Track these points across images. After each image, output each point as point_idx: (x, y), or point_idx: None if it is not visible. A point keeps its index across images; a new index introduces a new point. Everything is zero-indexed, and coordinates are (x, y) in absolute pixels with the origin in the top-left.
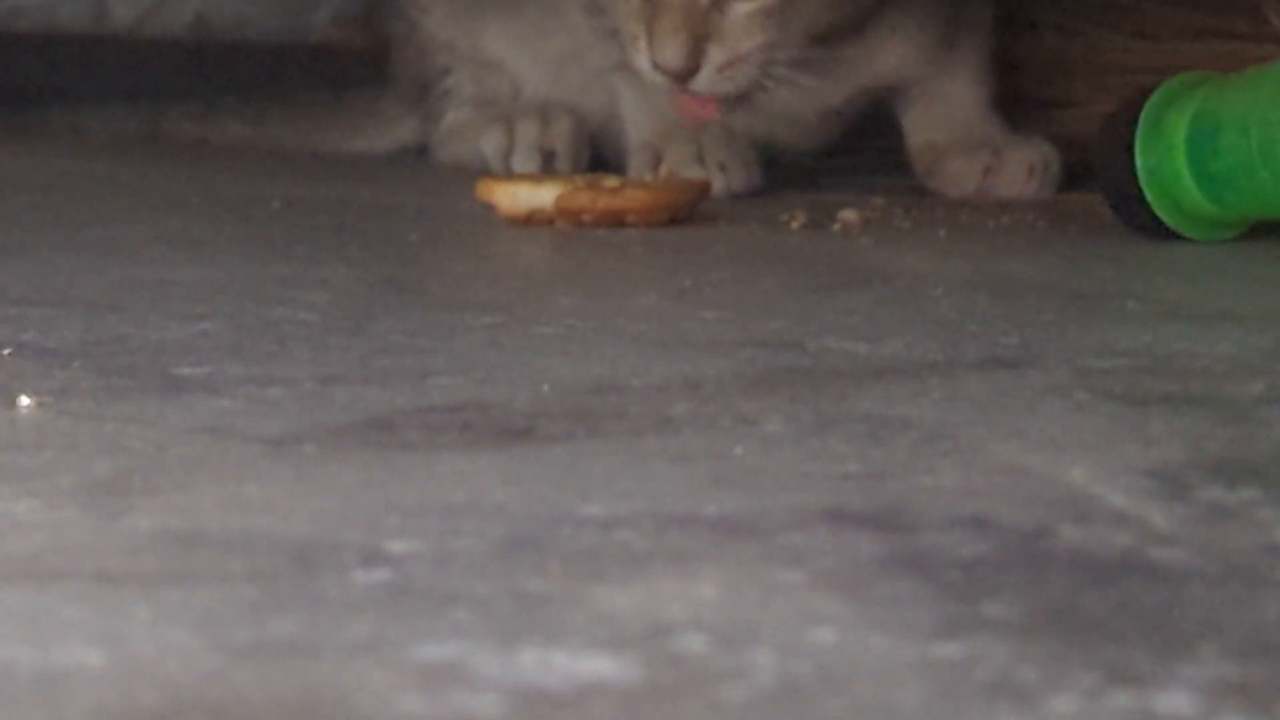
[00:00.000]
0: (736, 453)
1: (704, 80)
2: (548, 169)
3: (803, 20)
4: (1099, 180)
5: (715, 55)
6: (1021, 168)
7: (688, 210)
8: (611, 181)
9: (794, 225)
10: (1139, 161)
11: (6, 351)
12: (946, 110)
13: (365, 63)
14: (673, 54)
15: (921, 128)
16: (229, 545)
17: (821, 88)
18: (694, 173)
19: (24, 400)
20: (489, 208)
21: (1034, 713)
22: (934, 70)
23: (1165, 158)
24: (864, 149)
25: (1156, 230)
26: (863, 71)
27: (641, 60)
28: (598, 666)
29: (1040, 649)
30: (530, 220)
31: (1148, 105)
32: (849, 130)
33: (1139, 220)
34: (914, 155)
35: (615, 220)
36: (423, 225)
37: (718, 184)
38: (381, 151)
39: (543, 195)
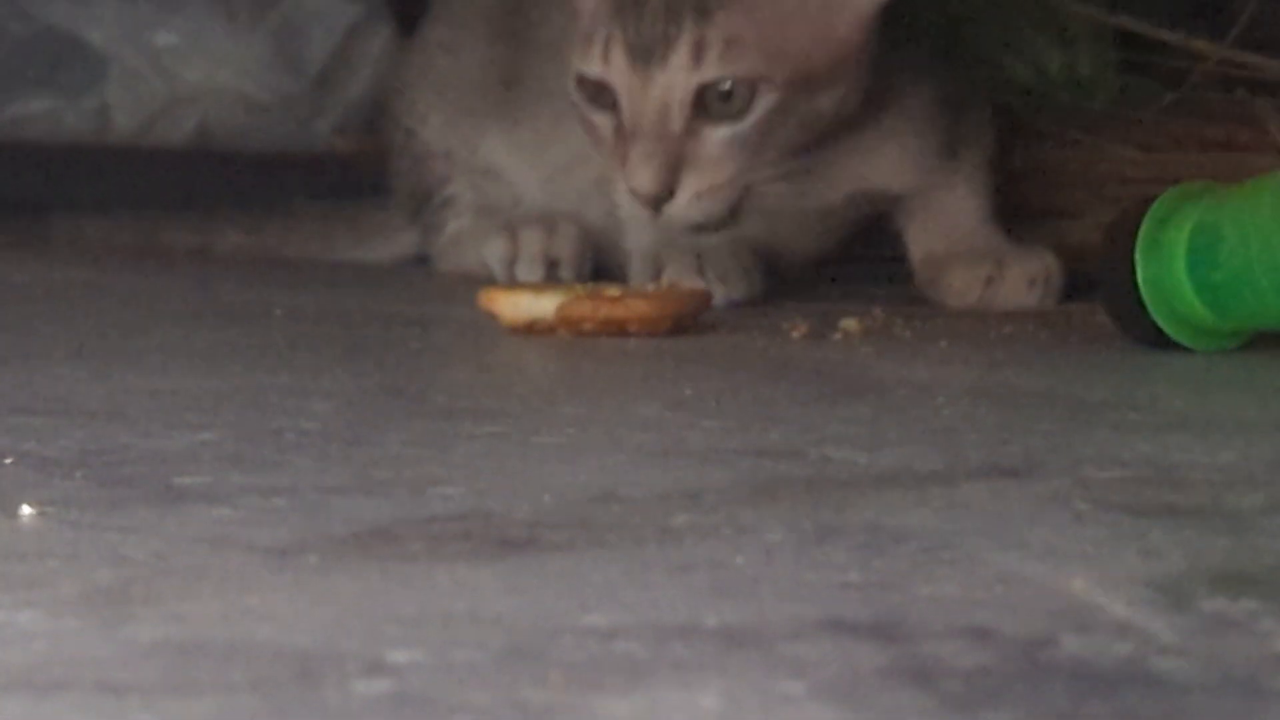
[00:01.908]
0: (737, 562)
1: (679, 207)
2: (552, 277)
3: (778, 142)
4: (1100, 290)
5: (691, 182)
6: (1023, 279)
7: (689, 320)
8: (613, 291)
9: (795, 334)
10: (1139, 271)
11: (8, 461)
12: (947, 221)
13: (368, 172)
14: (647, 181)
15: (923, 239)
16: (230, 655)
17: (816, 190)
18: (695, 283)
19: (25, 509)
20: (490, 317)
21: None
22: (934, 180)
23: (1166, 268)
24: (865, 259)
25: (1157, 340)
26: (858, 174)
27: (619, 191)
28: None
29: None
30: (532, 329)
31: (1148, 215)
32: (850, 238)
33: (1140, 330)
34: (916, 266)
35: (617, 329)
36: (424, 334)
37: (718, 294)
38: (383, 261)
39: (544, 304)
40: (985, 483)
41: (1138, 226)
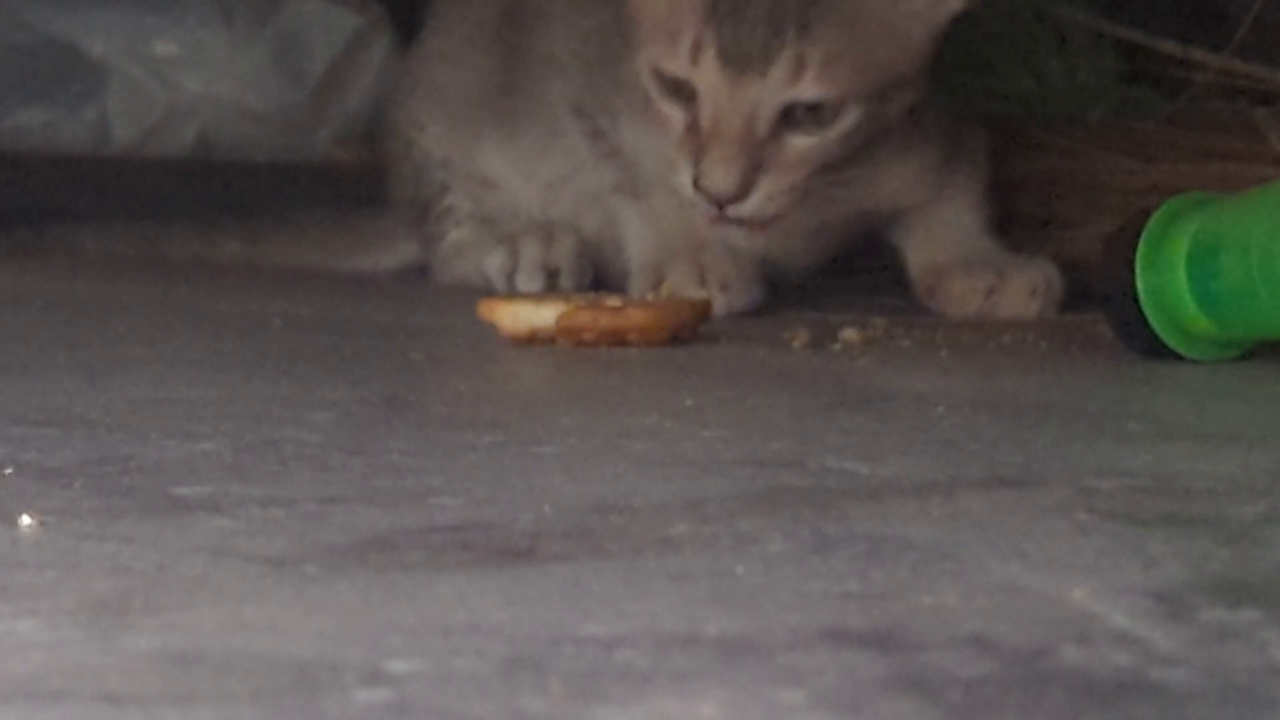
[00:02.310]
0: (737, 572)
1: (750, 206)
2: (551, 287)
3: (850, 147)
4: (1100, 300)
5: (766, 185)
6: (1024, 289)
7: (689, 330)
8: (613, 301)
9: (796, 344)
10: (1140, 281)
11: (8, 471)
12: (947, 233)
13: (368, 182)
14: (724, 182)
15: (922, 250)
16: (230, 665)
17: (821, 206)
18: (696, 292)
19: (25, 519)
20: (491, 327)
21: None
22: (935, 193)
23: (1166, 278)
24: (866, 269)
25: (1157, 350)
26: (864, 195)
27: (683, 181)
28: None
29: None
30: (532, 339)
31: (1148, 225)
32: (849, 249)
33: (1140, 340)
34: (916, 277)
35: (617, 339)
36: (424, 344)
37: (719, 303)
38: (383, 271)
39: (544, 314)
40: (985, 493)
41: (1138, 236)
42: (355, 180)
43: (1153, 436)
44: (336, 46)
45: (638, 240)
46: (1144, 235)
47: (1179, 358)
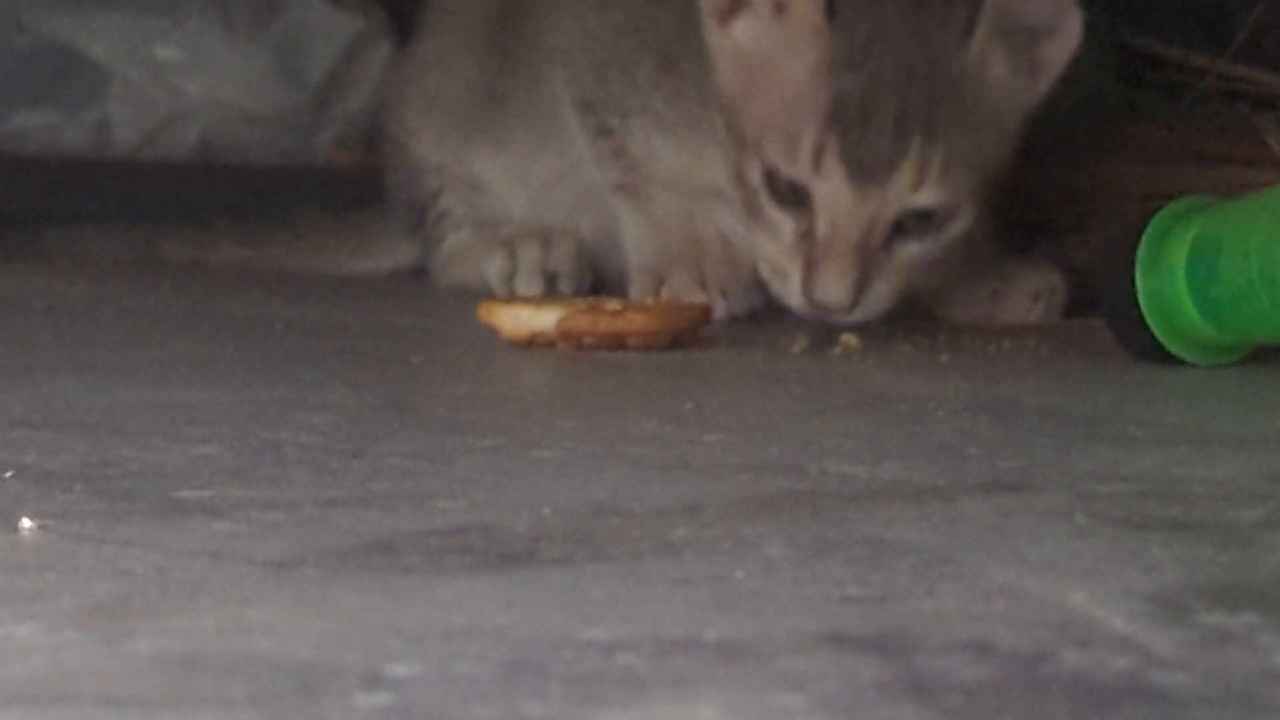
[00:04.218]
0: (737, 576)
1: (857, 315)
2: (550, 291)
3: (956, 245)
4: (1100, 304)
5: (874, 292)
6: (1026, 293)
7: (689, 334)
8: (613, 304)
9: (795, 349)
10: (1140, 286)
11: (8, 474)
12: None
13: (368, 185)
14: (838, 295)
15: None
16: (230, 668)
17: None
18: (695, 297)
19: (25, 523)
20: (490, 330)
21: None
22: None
23: (1166, 282)
24: None
25: (1157, 354)
26: None
27: (790, 293)
28: None
29: None
30: (532, 343)
31: (1148, 230)
32: None
33: (1140, 344)
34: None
35: (616, 343)
36: (424, 347)
37: (719, 308)
38: (382, 273)
39: (544, 318)
40: (985, 497)
41: (1138, 241)
42: (356, 183)
43: (1152, 441)
44: (337, 50)
45: (637, 244)
46: (1144, 239)
47: (1179, 362)
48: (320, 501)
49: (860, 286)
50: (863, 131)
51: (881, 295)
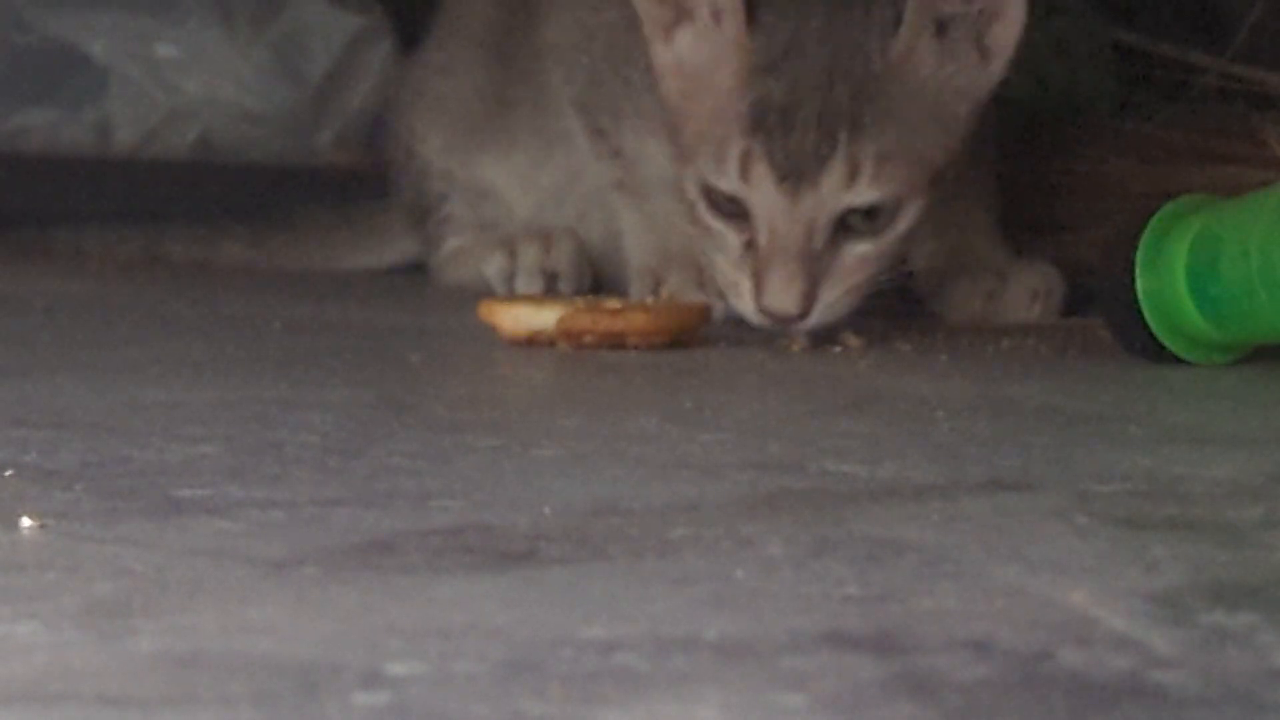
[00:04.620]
0: (737, 575)
1: (813, 320)
2: (550, 291)
3: (909, 241)
4: (1100, 303)
5: (827, 295)
6: (1025, 292)
7: (689, 333)
8: (613, 304)
9: (795, 348)
10: (1139, 285)
11: (8, 473)
12: (951, 235)
13: (369, 184)
14: (787, 302)
15: (926, 252)
16: (230, 667)
17: None
18: (695, 296)
19: (26, 522)
20: (491, 329)
21: None
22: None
23: (1165, 281)
24: None
25: (1157, 354)
26: None
27: (744, 305)
28: None
29: None
30: (532, 342)
31: (1148, 229)
32: None
33: (1139, 343)
34: (918, 279)
35: (616, 342)
36: (424, 346)
37: (719, 307)
38: (383, 266)
39: (544, 317)
40: (985, 496)
41: (1137, 240)
42: (356, 182)
43: (1152, 440)
44: (336, 48)
45: (637, 243)
46: (1144, 238)
47: (1178, 361)
48: (320, 501)
49: (809, 292)
50: (786, 135)
51: (836, 298)
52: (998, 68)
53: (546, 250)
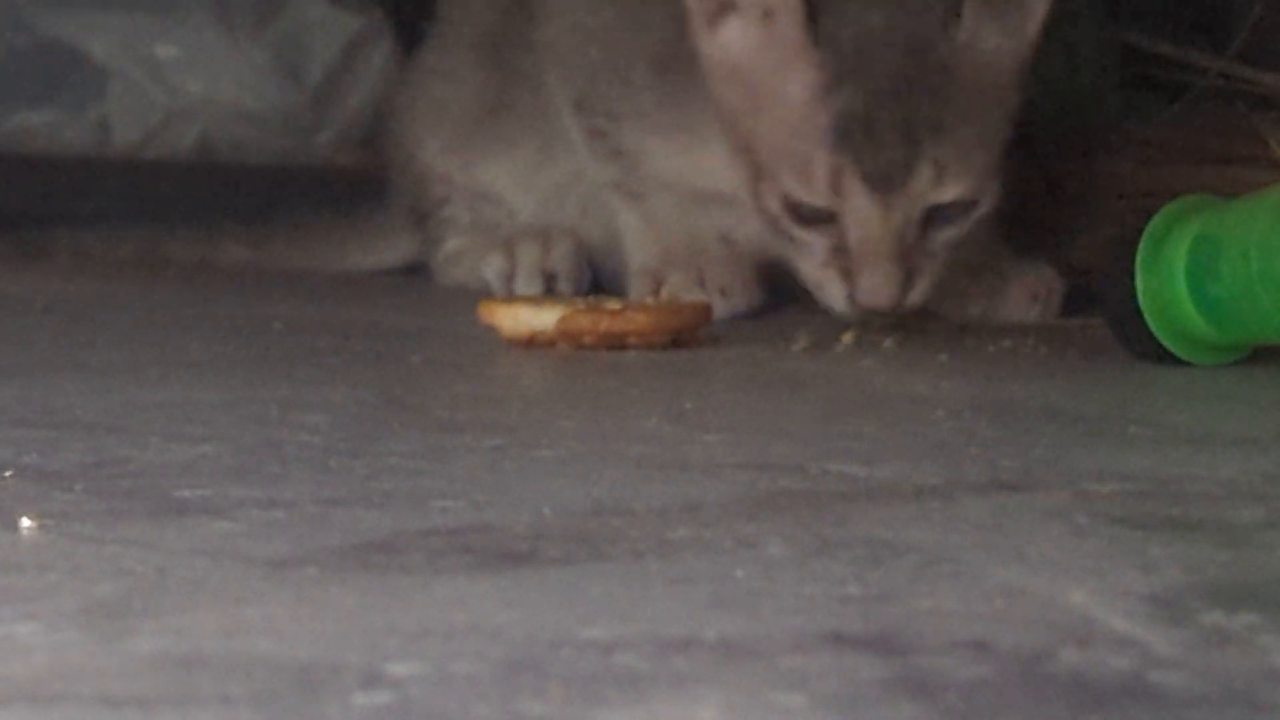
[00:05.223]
0: (737, 575)
1: (909, 303)
2: (549, 291)
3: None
4: (1100, 304)
5: (920, 282)
6: (1025, 292)
7: (689, 333)
8: (613, 304)
9: (795, 348)
10: (1139, 285)
11: (8, 473)
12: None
13: (368, 184)
14: (889, 297)
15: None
16: (230, 668)
17: None
18: (695, 296)
19: (25, 522)
20: (490, 329)
21: None
22: None
23: (1165, 281)
24: None
25: (1157, 354)
26: None
27: (834, 300)
28: None
29: None
30: (532, 342)
31: (1148, 229)
32: None
33: (1139, 344)
34: None
35: (617, 342)
36: (424, 347)
37: (719, 307)
38: (384, 267)
39: (544, 317)
40: (985, 496)
41: (1137, 240)
42: (356, 183)
43: (1152, 440)
44: (336, 49)
45: (637, 243)
46: (1144, 239)
47: (1178, 362)
48: (320, 501)
49: (906, 283)
50: (873, 146)
51: (926, 282)
52: (1034, 27)
53: (546, 250)
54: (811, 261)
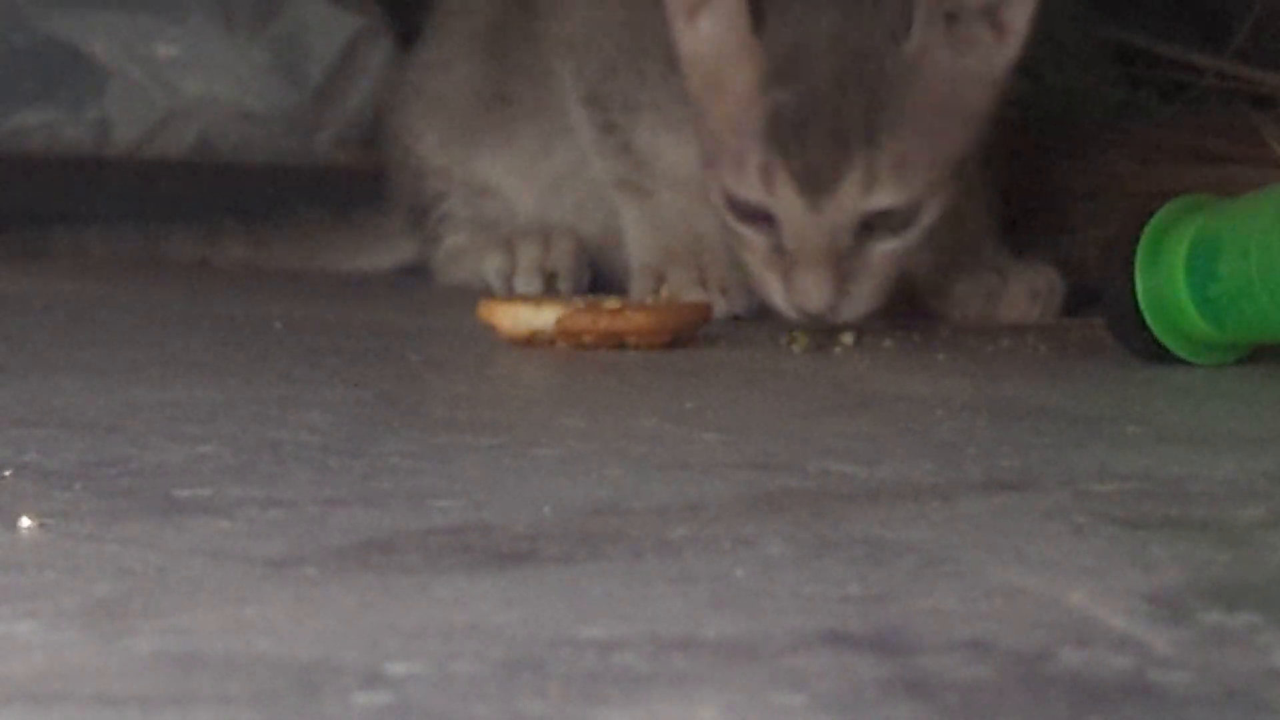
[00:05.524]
0: (737, 575)
1: (845, 314)
2: (549, 290)
3: (933, 235)
4: (1100, 303)
5: (857, 291)
6: (1025, 292)
7: (689, 332)
8: (613, 303)
9: (795, 348)
10: (1139, 285)
11: (8, 473)
12: (953, 235)
13: (368, 184)
14: (817, 299)
15: (927, 251)
16: (229, 667)
17: None
18: (695, 295)
19: (25, 521)
20: (490, 328)
21: None
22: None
23: (1165, 281)
24: None
25: (1156, 354)
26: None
27: (776, 300)
28: None
29: None
30: (531, 341)
31: (1148, 229)
32: None
33: (1139, 344)
34: (919, 278)
35: (616, 342)
36: (423, 346)
37: (719, 306)
38: (383, 270)
39: (544, 316)
40: (984, 496)
41: (1137, 240)
42: (355, 182)
43: (1151, 440)
44: (336, 48)
45: (638, 242)
46: (1143, 238)
47: (1178, 361)
48: (320, 500)
49: (839, 288)
50: (802, 145)
51: (865, 293)
52: (1014, 46)
53: (545, 249)
54: (754, 260)
